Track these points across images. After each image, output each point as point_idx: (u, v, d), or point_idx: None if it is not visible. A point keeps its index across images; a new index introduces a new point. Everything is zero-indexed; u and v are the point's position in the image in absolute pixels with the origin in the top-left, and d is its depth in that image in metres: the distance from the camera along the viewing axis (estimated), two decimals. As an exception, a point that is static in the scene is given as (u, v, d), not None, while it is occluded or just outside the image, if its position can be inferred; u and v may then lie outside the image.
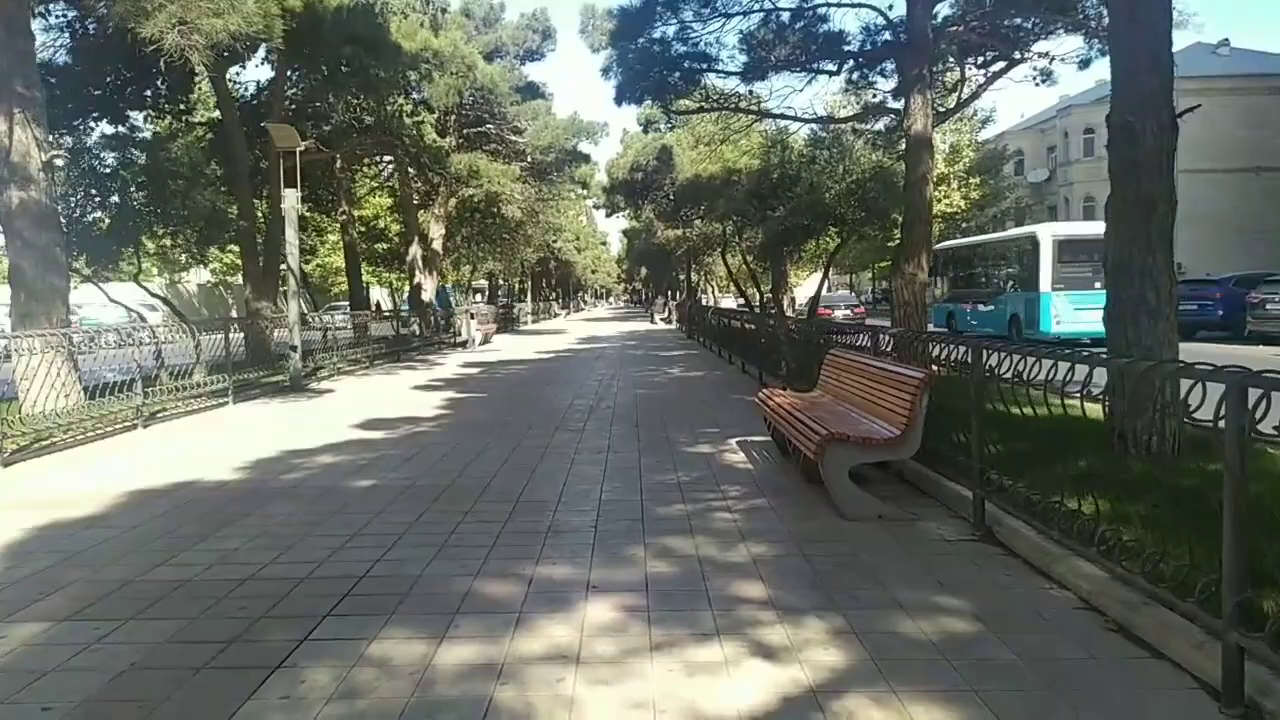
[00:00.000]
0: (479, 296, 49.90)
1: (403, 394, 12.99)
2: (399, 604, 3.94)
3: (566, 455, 7.64)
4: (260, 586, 4.22)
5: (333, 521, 5.48)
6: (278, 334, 14.95)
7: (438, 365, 18.77)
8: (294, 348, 13.29)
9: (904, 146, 14.16)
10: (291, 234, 13.39)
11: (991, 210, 45.10)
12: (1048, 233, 20.70)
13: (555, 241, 49.65)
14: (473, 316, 25.13)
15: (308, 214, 23.41)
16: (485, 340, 27.72)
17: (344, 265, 23.25)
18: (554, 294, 72.77)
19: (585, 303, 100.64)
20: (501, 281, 46.57)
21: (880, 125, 17.64)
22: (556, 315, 60.54)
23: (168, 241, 14.37)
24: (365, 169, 24.81)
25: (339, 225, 22.82)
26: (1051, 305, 19.79)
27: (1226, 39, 46.11)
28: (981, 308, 22.97)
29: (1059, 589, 4.02)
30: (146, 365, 10.11)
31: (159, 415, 10.19)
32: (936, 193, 20.45)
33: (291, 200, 13.31)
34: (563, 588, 4.15)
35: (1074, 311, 19.21)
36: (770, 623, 3.64)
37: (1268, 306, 20.98)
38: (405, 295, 32.61)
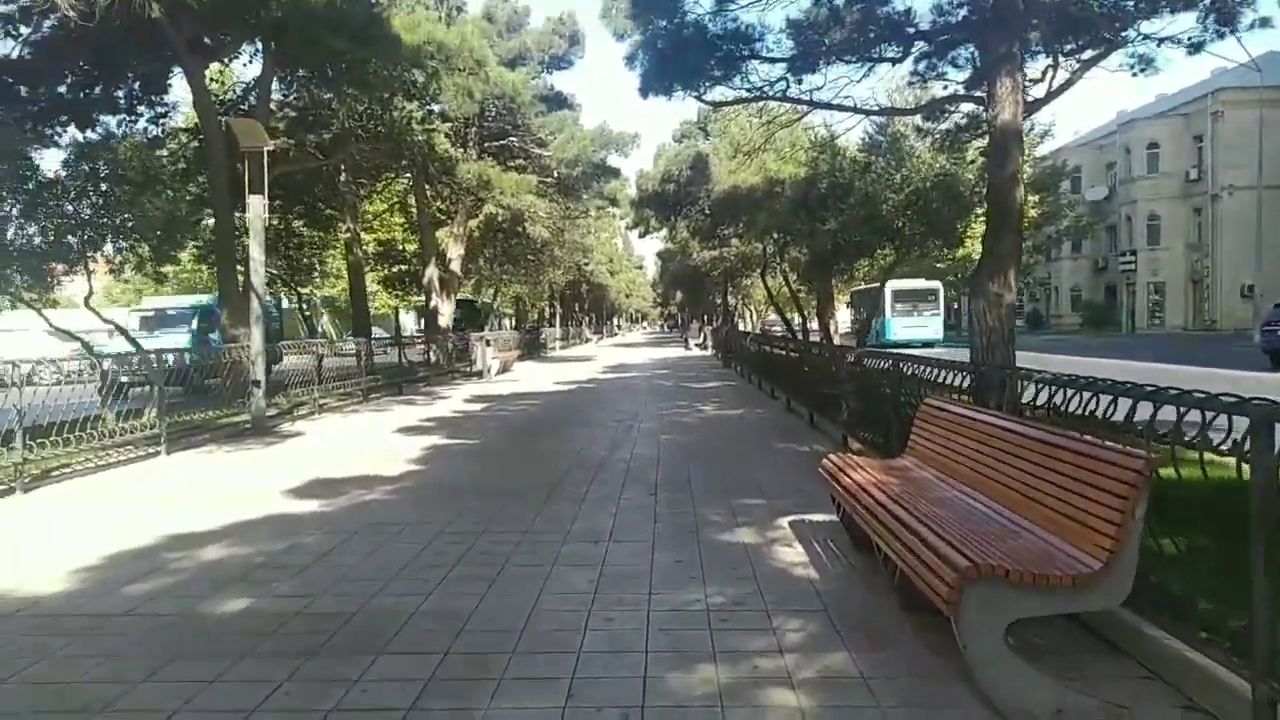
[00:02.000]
0: (506, 322, 48.05)
1: (380, 439, 10.84)
2: None
3: (549, 550, 5.36)
4: None
5: (142, 694, 3.26)
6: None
7: (440, 400, 16.66)
8: (256, 383, 11.22)
9: (988, 140, 11.76)
10: (256, 249, 11.37)
11: (1049, 229, 42.22)
12: (889, 287, 30.68)
13: (587, 264, 47.65)
14: (489, 343, 23.04)
15: (305, 230, 21.63)
16: (505, 369, 25.63)
17: (350, 285, 21.34)
18: (586, 318, 70.85)
19: (619, 328, 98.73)
20: (530, 305, 44.54)
21: (948, 124, 15.26)
22: (588, 340, 58.49)
23: (120, 258, 12.40)
24: (378, 185, 22.95)
25: (343, 244, 20.95)
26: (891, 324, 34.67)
27: (1305, 45, 42.58)
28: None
29: None
30: (66, 405, 8.12)
31: (55, 474, 8.11)
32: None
33: (257, 209, 11.31)
34: None
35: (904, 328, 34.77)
36: None
37: None
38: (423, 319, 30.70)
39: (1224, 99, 42.69)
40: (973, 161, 17.04)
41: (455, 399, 16.61)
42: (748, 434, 10.84)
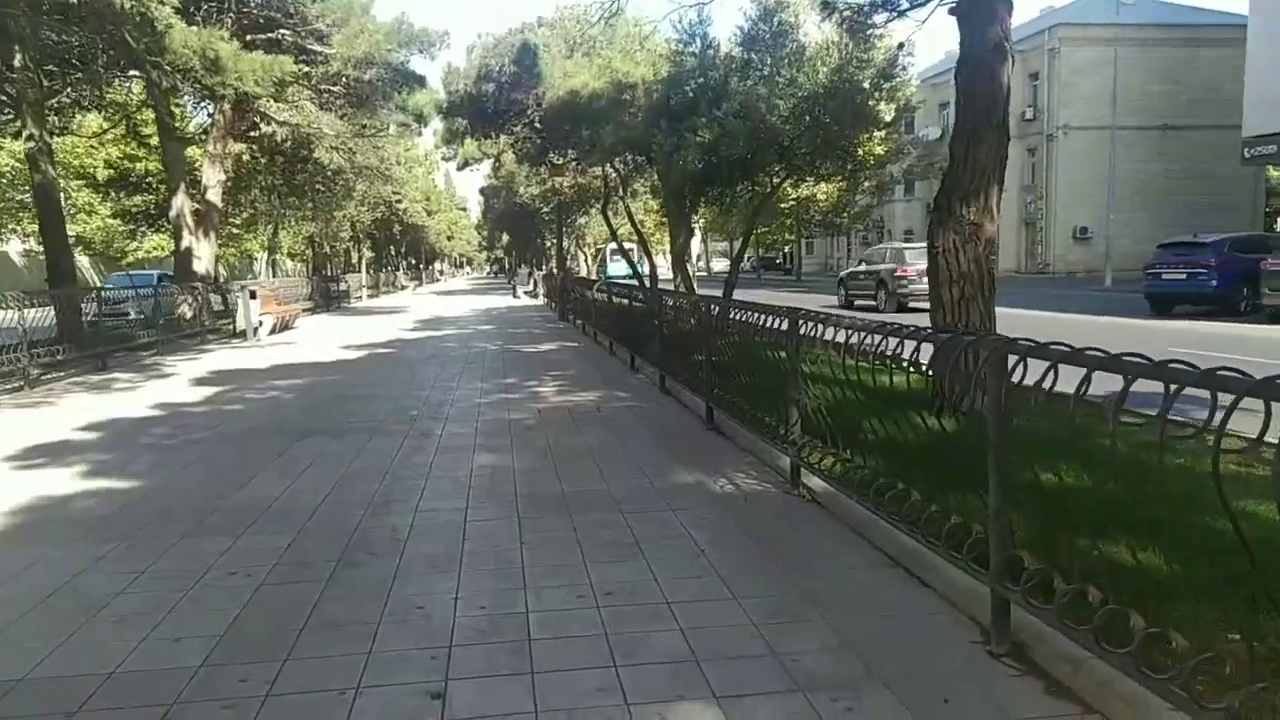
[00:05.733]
0: (290, 265, 41.25)
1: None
2: None
3: None
4: None
5: None
6: None
7: (154, 379, 11.48)
8: None
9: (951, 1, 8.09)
10: None
11: (891, 167, 40.46)
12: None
13: (398, 200, 41.54)
14: (253, 295, 17.58)
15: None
16: (284, 327, 20.20)
17: (39, 217, 15.05)
18: (404, 263, 64.16)
19: (441, 274, 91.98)
20: (327, 247, 38.02)
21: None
22: (403, 289, 52.24)
23: None
24: (79, 79, 16.56)
25: (25, 157, 14.79)
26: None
27: (1134, -13, 42.51)
28: None
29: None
30: None
31: None
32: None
33: None
34: None
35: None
36: None
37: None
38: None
39: (1061, 35, 42.16)
40: (869, 64, 13.45)
41: (177, 378, 11.46)
42: (628, 439, 6.73)
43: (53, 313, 13.61)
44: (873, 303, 23.21)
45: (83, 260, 48.66)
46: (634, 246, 30.44)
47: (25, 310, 10.63)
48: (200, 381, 11.08)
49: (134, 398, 9.77)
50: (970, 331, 7.02)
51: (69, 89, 16.09)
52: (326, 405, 8.96)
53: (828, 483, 4.74)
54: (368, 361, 13.31)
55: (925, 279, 9.12)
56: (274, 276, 46.61)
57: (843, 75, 13.02)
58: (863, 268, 25.59)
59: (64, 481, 5.84)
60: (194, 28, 11.59)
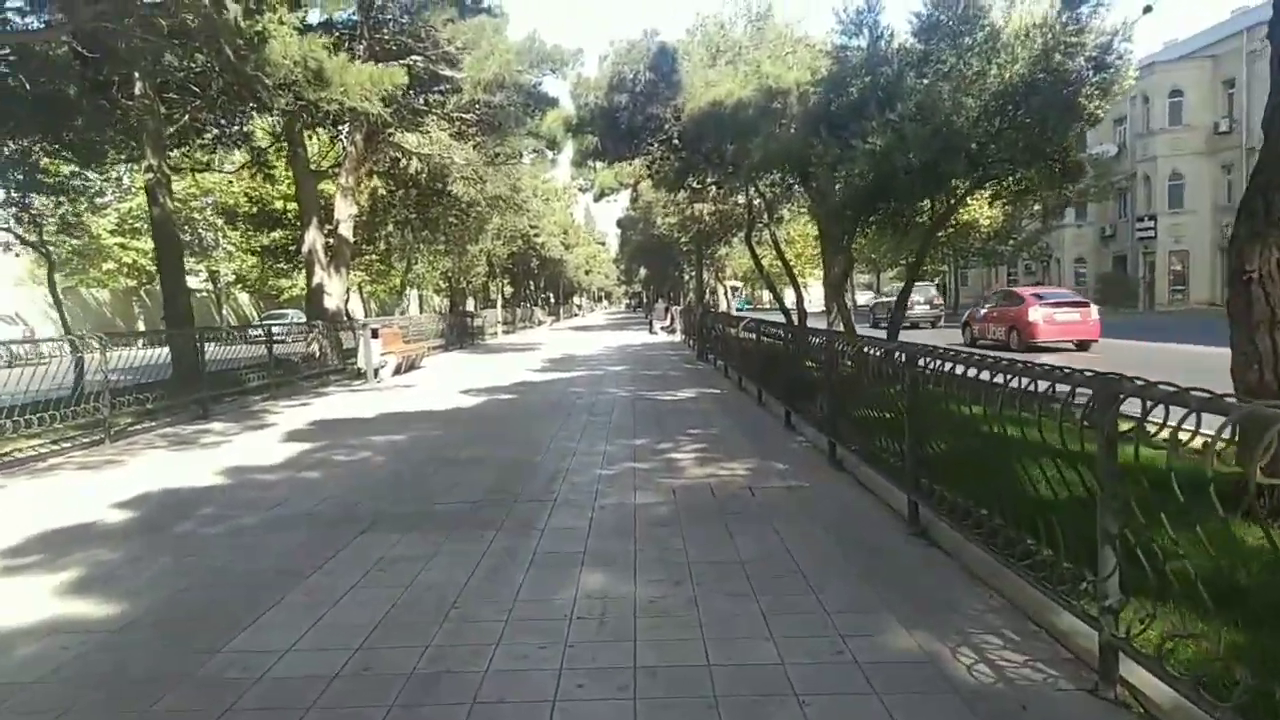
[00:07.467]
0: (432, 302, 41.30)
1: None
2: None
3: None
4: None
5: None
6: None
7: (251, 431, 10.30)
8: None
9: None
10: None
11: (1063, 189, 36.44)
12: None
13: (535, 234, 41.02)
14: (375, 334, 16.59)
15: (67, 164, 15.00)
16: (409, 367, 19.24)
17: (157, 252, 14.51)
18: (542, 298, 64.20)
19: (579, 308, 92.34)
20: (463, 282, 37.72)
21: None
22: (539, 324, 51.79)
23: None
24: (211, 111, 16.19)
25: (144, 190, 14.33)
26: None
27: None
28: None
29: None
30: None
31: None
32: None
33: None
34: None
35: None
36: None
37: None
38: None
39: (1262, 35, 36.97)
40: (1080, 49, 10.89)
41: (272, 430, 10.24)
42: (802, 560, 4.69)
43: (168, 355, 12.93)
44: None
45: (243, 298, 51.08)
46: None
47: (109, 352, 9.60)
48: (293, 436, 9.77)
49: (210, 457, 8.49)
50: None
51: (187, 117, 15.61)
52: (417, 475, 7.32)
53: (1178, 689, 2.54)
54: (484, 411, 11.78)
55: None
56: (421, 311, 47.18)
57: (1048, 64, 10.57)
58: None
59: (28, 602, 4.34)
60: (295, 38, 10.52)
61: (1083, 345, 19.95)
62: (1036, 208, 38.09)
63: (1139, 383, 2.77)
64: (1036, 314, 20.39)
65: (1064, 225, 48.33)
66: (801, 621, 3.78)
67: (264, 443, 9.33)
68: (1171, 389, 2.60)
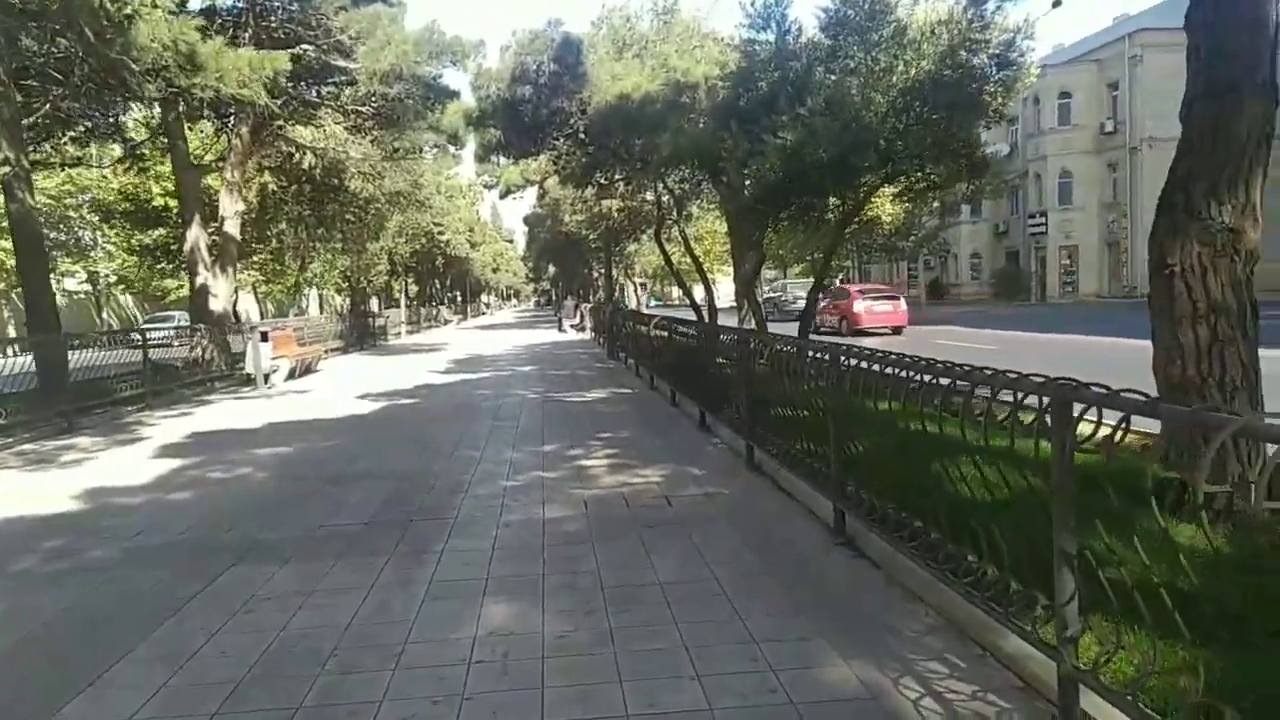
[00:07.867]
0: (331, 301, 39.70)
1: None
2: None
3: None
4: None
5: None
6: None
7: (101, 453, 9.35)
8: None
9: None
10: None
11: (961, 187, 37.55)
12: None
13: (440, 232, 39.85)
14: (265, 337, 15.56)
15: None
16: (302, 371, 18.22)
17: (16, 251, 13.14)
18: (449, 297, 62.73)
19: (487, 306, 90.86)
20: (366, 282, 36.26)
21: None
22: (446, 323, 50.46)
23: None
24: (75, 99, 14.81)
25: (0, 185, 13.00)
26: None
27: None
28: None
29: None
30: None
31: None
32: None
33: None
34: None
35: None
36: None
37: None
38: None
39: (1143, 41, 38.98)
40: (985, 46, 10.94)
41: (144, 445, 9.33)
42: (725, 579, 4.32)
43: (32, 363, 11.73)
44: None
45: (125, 300, 48.00)
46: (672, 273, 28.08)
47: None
48: (165, 451, 8.91)
49: (67, 478, 7.61)
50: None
51: (49, 106, 14.28)
52: (302, 493, 6.67)
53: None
54: (382, 417, 11.09)
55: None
56: (321, 311, 45.27)
57: (954, 60, 10.57)
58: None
59: None
60: (164, 20, 9.59)
61: (897, 330, 23.89)
62: (935, 204, 39.21)
63: (1100, 391, 2.48)
64: (859, 306, 24.53)
65: (960, 222, 49.89)
66: (728, 654, 3.41)
67: (132, 459, 8.46)
68: (1141, 398, 2.31)
